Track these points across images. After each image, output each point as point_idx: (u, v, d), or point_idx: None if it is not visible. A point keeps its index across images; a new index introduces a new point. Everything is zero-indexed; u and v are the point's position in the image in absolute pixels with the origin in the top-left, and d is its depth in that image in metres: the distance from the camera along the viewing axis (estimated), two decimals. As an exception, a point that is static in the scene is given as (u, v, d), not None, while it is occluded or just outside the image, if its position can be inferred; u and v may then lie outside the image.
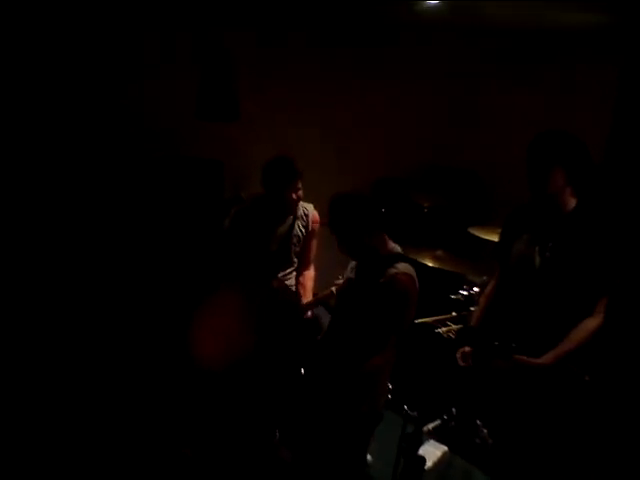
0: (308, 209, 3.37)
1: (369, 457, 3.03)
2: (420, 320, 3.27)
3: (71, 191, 4.05)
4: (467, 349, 2.66)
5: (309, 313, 3.21)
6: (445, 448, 3.21)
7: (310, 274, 3.47)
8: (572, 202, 2.38)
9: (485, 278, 3.52)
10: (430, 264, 3.16)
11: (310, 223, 3.36)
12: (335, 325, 2.76)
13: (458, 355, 2.68)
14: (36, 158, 3.94)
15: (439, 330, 3.32)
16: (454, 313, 3.43)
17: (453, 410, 3.38)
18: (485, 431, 3.26)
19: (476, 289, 3.48)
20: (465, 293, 3.51)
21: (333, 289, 3.01)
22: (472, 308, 3.43)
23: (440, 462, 3.12)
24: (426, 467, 3.04)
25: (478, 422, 3.31)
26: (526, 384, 2.34)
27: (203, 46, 4.35)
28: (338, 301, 2.87)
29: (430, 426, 3.32)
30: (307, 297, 3.36)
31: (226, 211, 3.33)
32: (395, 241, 2.66)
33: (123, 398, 3.03)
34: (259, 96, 4.41)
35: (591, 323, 2.30)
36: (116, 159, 4.20)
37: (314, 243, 3.43)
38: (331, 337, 2.74)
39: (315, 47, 4.45)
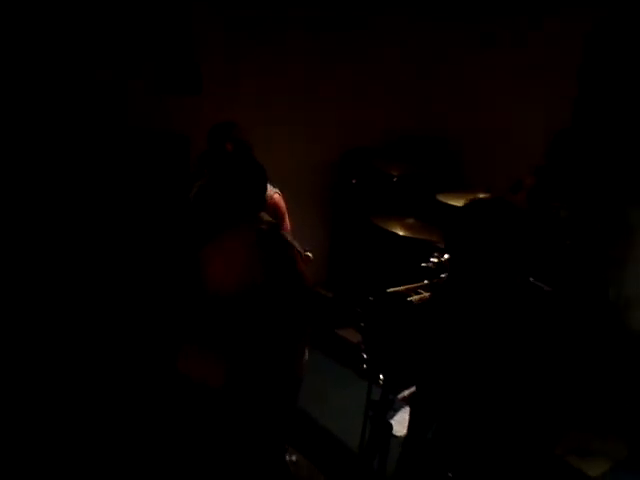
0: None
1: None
2: (392, 289, 3.28)
3: (32, 170, 3.90)
4: None
5: (309, 254, 3.06)
6: (420, 414, 3.24)
7: None
8: None
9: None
10: (401, 233, 3.15)
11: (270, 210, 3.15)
12: None
13: None
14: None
15: (411, 298, 3.33)
16: (426, 281, 3.44)
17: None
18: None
19: (447, 256, 3.49)
20: (436, 260, 3.52)
21: (309, 254, 2.92)
22: (443, 275, 3.45)
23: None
24: (402, 434, 3.11)
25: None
26: None
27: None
28: None
29: (405, 393, 3.35)
30: None
31: (191, 185, 3.26)
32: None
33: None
34: (223, 66, 4.30)
35: None
36: (77, 135, 4.05)
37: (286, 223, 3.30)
38: None
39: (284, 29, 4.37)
